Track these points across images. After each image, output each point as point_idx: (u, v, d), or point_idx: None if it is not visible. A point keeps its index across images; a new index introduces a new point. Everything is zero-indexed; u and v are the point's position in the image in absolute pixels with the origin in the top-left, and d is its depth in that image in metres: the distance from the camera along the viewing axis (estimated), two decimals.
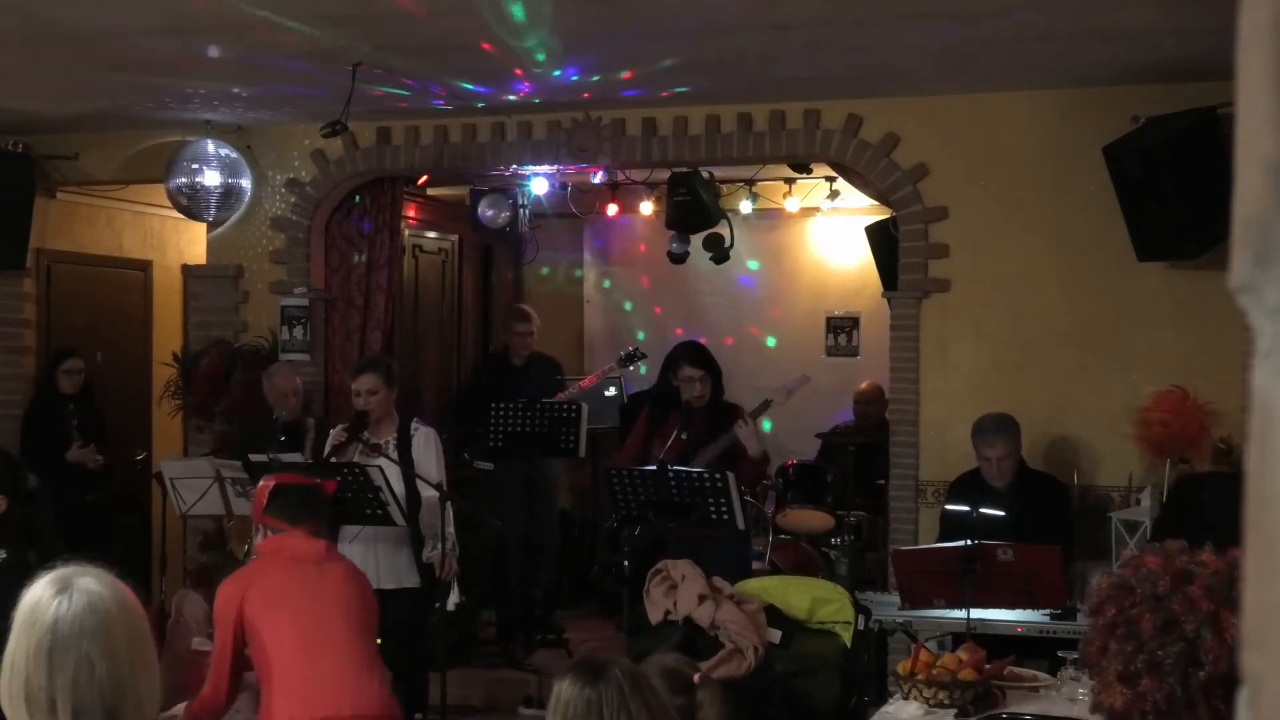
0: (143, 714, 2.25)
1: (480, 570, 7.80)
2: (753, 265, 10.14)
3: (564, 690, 2.72)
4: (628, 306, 10.54)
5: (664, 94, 6.80)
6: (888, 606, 5.46)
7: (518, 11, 5.33)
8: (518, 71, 6.27)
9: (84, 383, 8.08)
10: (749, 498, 6.87)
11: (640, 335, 10.06)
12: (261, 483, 4.54)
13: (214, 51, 5.98)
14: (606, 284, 10.63)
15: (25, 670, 2.21)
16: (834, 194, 8.95)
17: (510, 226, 9.11)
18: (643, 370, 9.61)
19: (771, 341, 10.13)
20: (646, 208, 9.53)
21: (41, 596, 2.25)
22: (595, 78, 6.43)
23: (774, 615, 5.17)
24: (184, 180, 7.61)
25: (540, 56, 6.01)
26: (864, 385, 8.96)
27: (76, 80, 6.58)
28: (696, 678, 3.28)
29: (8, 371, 8.15)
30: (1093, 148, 6.25)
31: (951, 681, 4.17)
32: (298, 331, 7.83)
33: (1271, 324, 0.72)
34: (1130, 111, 6.26)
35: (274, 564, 4.26)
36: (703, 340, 7.19)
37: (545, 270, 10.64)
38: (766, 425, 6.82)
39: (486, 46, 5.78)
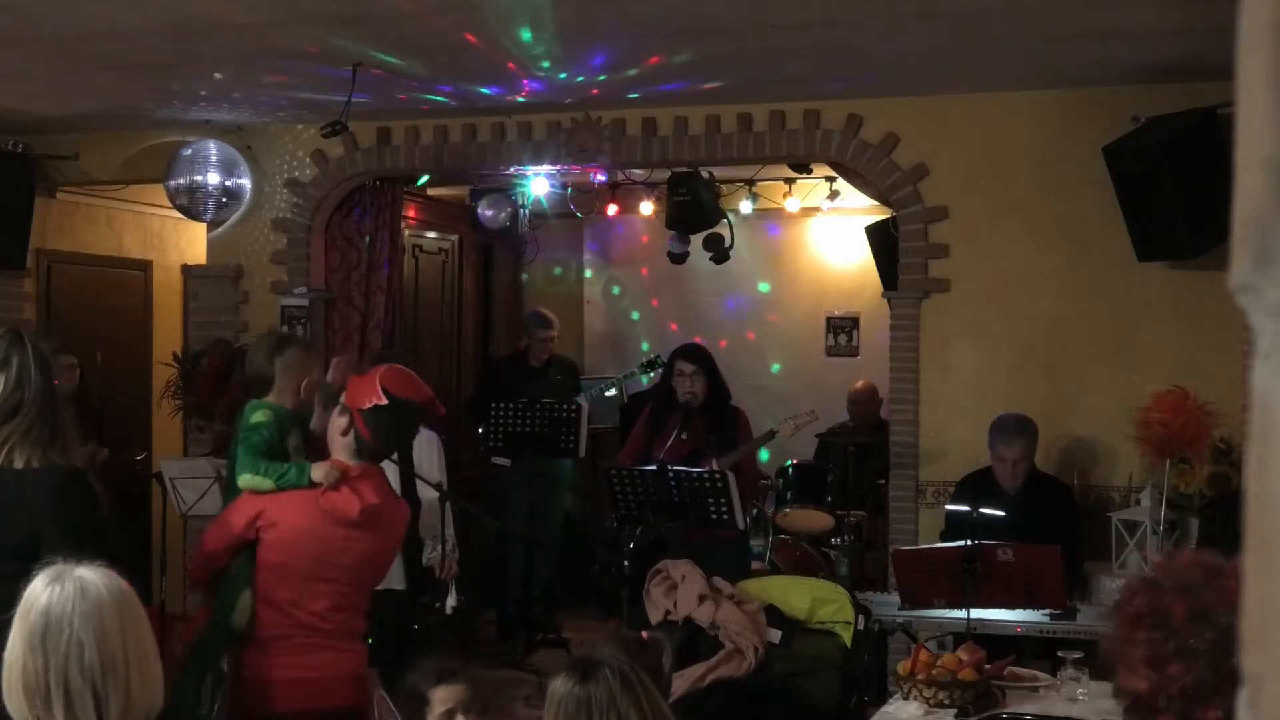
0: (132, 703, 2.27)
1: (480, 570, 7.80)
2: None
3: (557, 688, 2.78)
4: (635, 316, 10.55)
5: (664, 94, 6.80)
6: (888, 606, 5.46)
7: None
8: (513, 68, 6.27)
9: (80, 381, 8.04)
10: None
11: (644, 346, 10.05)
12: (376, 373, 3.82)
13: (214, 52, 5.98)
14: (616, 290, 10.63)
15: (22, 658, 2.27)
16: (834, 194, 8.95)
17: (510, 226, 9.11)
18: (644, 381, 9.62)
19: (771, 343, 10.13)
20: (646, 208, 9.53)
21: (36, 588, 2.32)
22: (597, 78, 6.43)
23: (774, 615, 5.17)
24: (184, 180, 7.60)
25: (545, 64, 6.04)
26: (858, 385, 8.95)
27: (76, 80, 6.58)
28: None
29: None
30: (1093, 148, 6.25)
31: (951, 681, 4.17)
32: (298, 331, 7.83)
33: (1271, 324, 0.72)
34: (1130, 111, 6.25)
35: (313, 522, 3.87)
36: (698, 340, 7.22)
37: (548, 270, 10.65)
38: None
39: (486, 47, 5.78)
